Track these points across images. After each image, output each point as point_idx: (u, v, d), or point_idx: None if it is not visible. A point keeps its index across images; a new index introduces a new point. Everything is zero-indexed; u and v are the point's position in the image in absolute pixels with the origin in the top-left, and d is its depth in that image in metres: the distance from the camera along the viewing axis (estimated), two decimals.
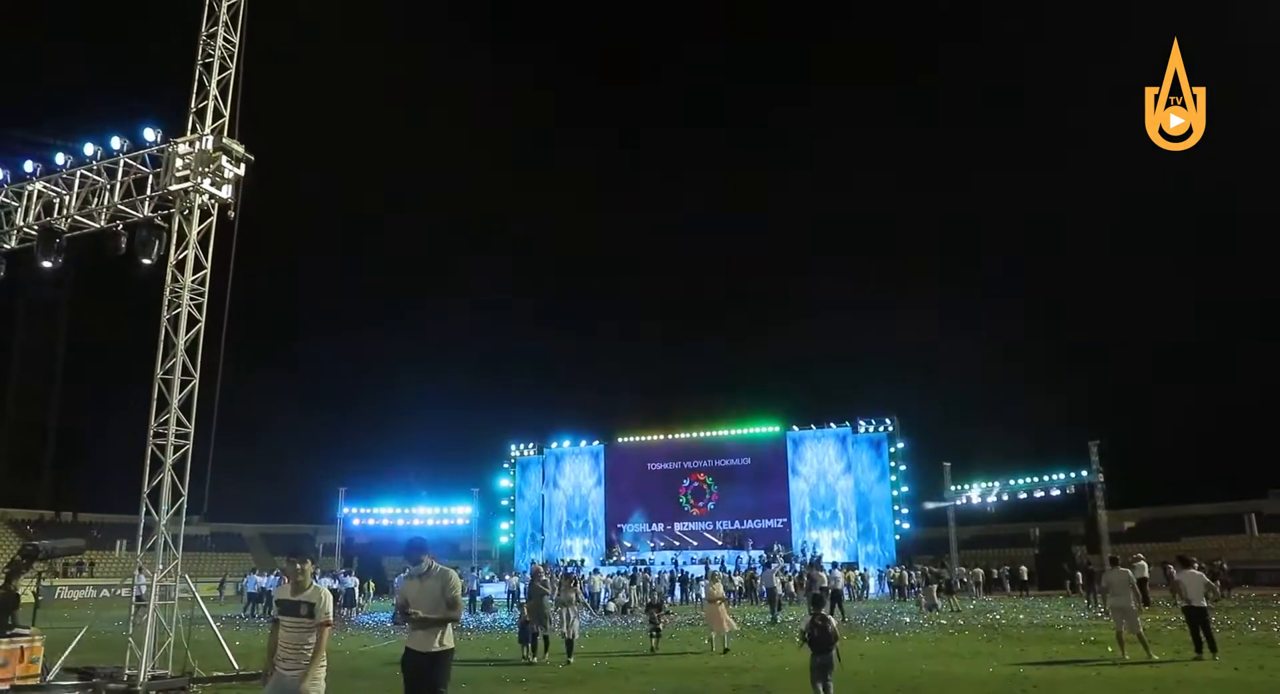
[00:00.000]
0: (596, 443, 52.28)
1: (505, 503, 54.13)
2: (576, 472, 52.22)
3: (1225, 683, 10.49)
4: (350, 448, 64.26)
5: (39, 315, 60.30)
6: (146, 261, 10.95)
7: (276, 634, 5.85)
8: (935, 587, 25.93)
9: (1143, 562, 25.21)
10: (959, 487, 45.90)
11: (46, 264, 11.35)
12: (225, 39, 11.51)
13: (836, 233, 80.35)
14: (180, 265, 10.86)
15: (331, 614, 5.85)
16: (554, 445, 53.05)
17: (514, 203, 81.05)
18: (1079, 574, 32.38)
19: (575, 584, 15.47)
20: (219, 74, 11.37)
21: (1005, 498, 44.85)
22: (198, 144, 10.91)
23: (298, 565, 5.96)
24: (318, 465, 58.63)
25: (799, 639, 8.80)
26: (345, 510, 51.06)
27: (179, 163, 10.85)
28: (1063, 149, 68.14)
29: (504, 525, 54.02)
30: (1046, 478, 43.90)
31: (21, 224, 11.95)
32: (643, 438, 51.91)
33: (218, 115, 11.28)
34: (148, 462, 10.31)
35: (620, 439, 52.14)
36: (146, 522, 10.55)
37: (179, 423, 10.46)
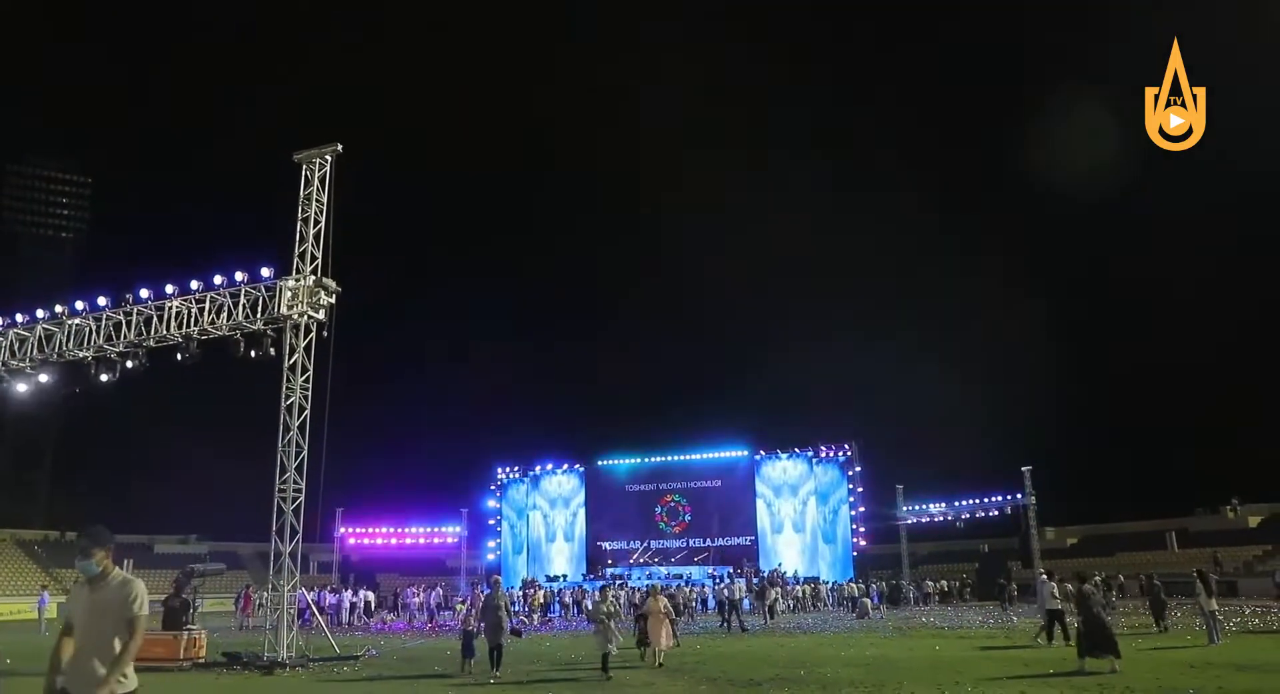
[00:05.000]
0: (579, 465, 56.22)
1: (492, 523, 57.88)
2: (559, 492, 56.16)
3: (1040, 659, 14.41)
4: (347, 471, 67.82)
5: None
6: (266, 357, 15.38)
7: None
8: (869, 598, 30.35)
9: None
10: (911, 507, 50.87)
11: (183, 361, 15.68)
12: (318, 200, 15.87)
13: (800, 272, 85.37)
14: (293, 368, 15.20)
15: None
16: (538, 468, 56.87)
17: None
18: (1012, 585, 36.59)
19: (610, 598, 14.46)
20: (314, 227, 15.74)
21: (952, 518, 49.76)
22: (301, 281, 15.26)
23: None
24: (315, 486, 62.20)
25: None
26: (342, 530, 55.06)
27: (287, 294, 15.18)
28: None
29: (490, 544, 57.82)
30: (988, 500, 49.02)
31: (164, 332, 16.22)
32: (622, 461, 55.91)
33: (314, 257, 15.62)
34: (275, 509, 14.66)
35: (600, 462, 56.16)
36: (276, 549, 14.91)
37: (294, 481, 14.78)
